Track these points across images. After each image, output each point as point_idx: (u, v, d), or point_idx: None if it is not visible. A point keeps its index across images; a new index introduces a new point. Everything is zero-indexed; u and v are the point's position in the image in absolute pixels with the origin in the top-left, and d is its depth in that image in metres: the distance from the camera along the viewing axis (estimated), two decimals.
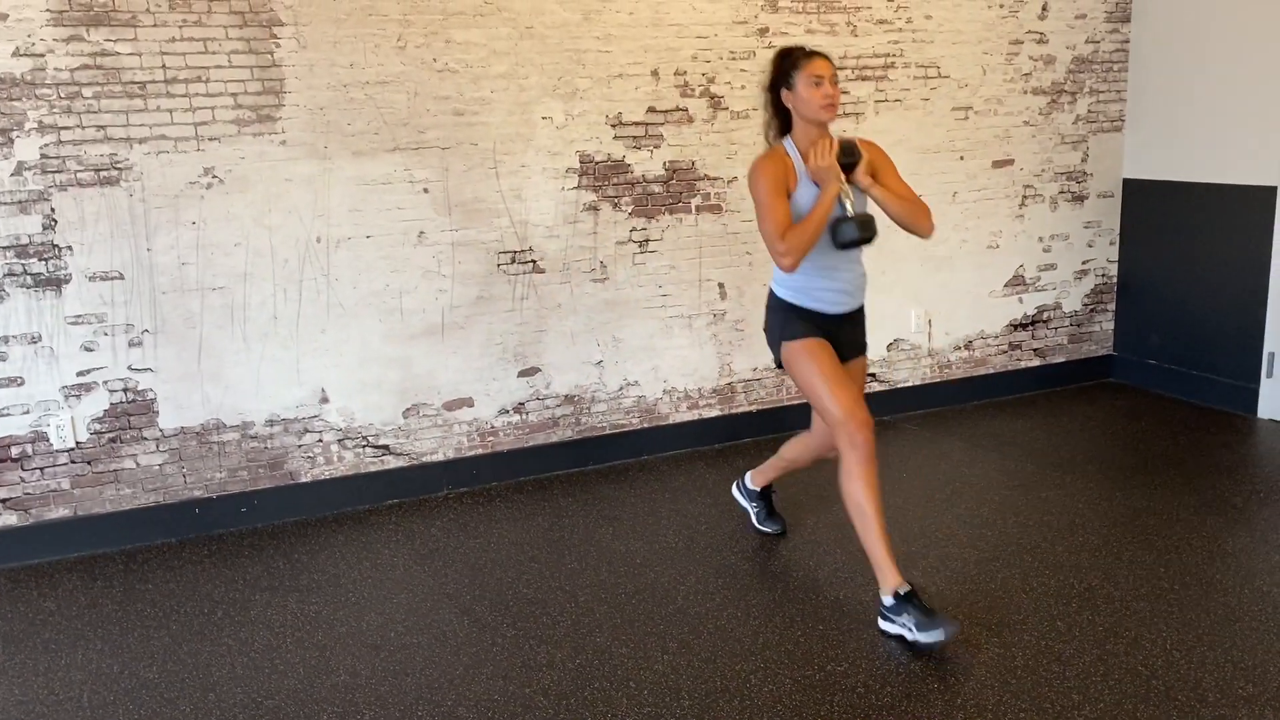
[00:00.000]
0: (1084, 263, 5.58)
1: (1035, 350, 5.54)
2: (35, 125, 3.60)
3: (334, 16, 3.90)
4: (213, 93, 3.79)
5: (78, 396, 3.79)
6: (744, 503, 3.91)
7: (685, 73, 4.49)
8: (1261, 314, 4.92)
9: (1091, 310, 5.65)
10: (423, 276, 4.20)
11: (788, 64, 3.18)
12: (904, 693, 2.79)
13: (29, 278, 3.68)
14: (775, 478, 3.81)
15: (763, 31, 4.58)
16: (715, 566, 3.59)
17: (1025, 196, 5.35)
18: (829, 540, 3.73)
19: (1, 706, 2.87)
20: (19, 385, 3.72)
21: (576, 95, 4.32)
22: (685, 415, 4.77)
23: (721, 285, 4.72)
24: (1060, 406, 5.30)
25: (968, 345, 5.35)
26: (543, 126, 4.29)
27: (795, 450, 3.66)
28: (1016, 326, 5.46)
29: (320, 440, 4.16)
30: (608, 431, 4.63)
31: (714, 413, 4.83)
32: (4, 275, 3.65)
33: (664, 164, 4.52)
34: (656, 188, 4.53)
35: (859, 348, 3.36)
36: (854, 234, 3.11)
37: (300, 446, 4.13)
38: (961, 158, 5.14)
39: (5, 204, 3.61)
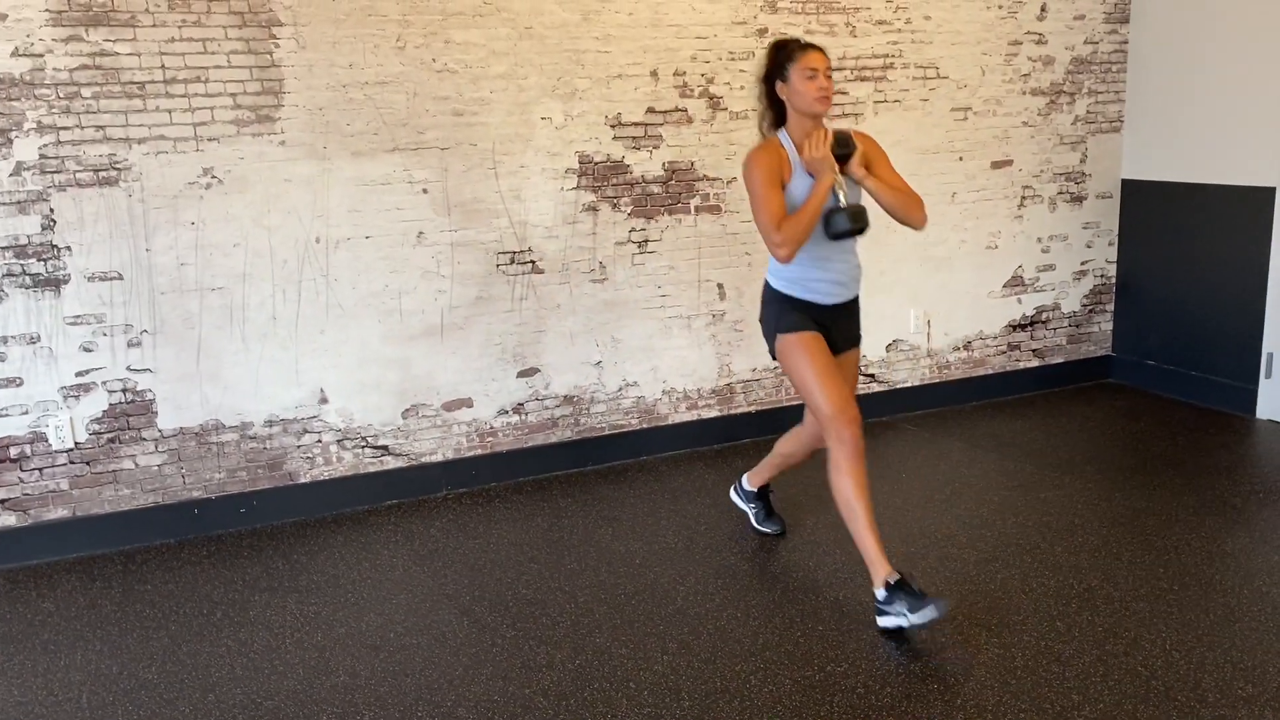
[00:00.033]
0: (1083, 263, 5.58)
1: (1034, 351, 5.55)
2: (34, 125, 3.59)
3: (333, 17, 3.90)
4: (212, 93, 3.79)
5: (76, 397, 3.79)
6: (742, 505, 3.92)
7: (684, 73, 4.49)
8: (1259, 315, 4.93)
9: (1090, 311, 5.66)
10: (422, 277, 4.20)
11: (782, 56, 3.21)
12: (904, 693, 2.79)
13: (28, 278, 3.67)
14: (771, 476, 3.82)
15: (762, 32, 4.58)
16: (715, 567, 3.59)
17: (1024, 197, 5.35)
18: (828, 541, 3.73)
19: (1, 707, 2.87)
20: (18, 386, 3.71)
21: (576, 96, 4.32)
22: (684, 416, 4.77)
23: (720, 286, 4.72)
24: (1059, 407, 5.30)
25: (967, 346, 5.36)
26: (542, 127, 4.29)
27: (789, 445, 3.68)
28: (1015, 327, 5.47)
29: (319, 441, 4.15)
30: (607, 432, 4.63)
31: (713, 413, 4.83)
32: (3, 275, 3.64)
33: (663, 164, 4.52)
34: (655, 188, 4.53)
35: (853, 339, 3.39)
36: (846, 225, 3.15)
37: (299, 447, 4.13)
38: (960, 158, 5.14)
39: (4, 204, 3.60)
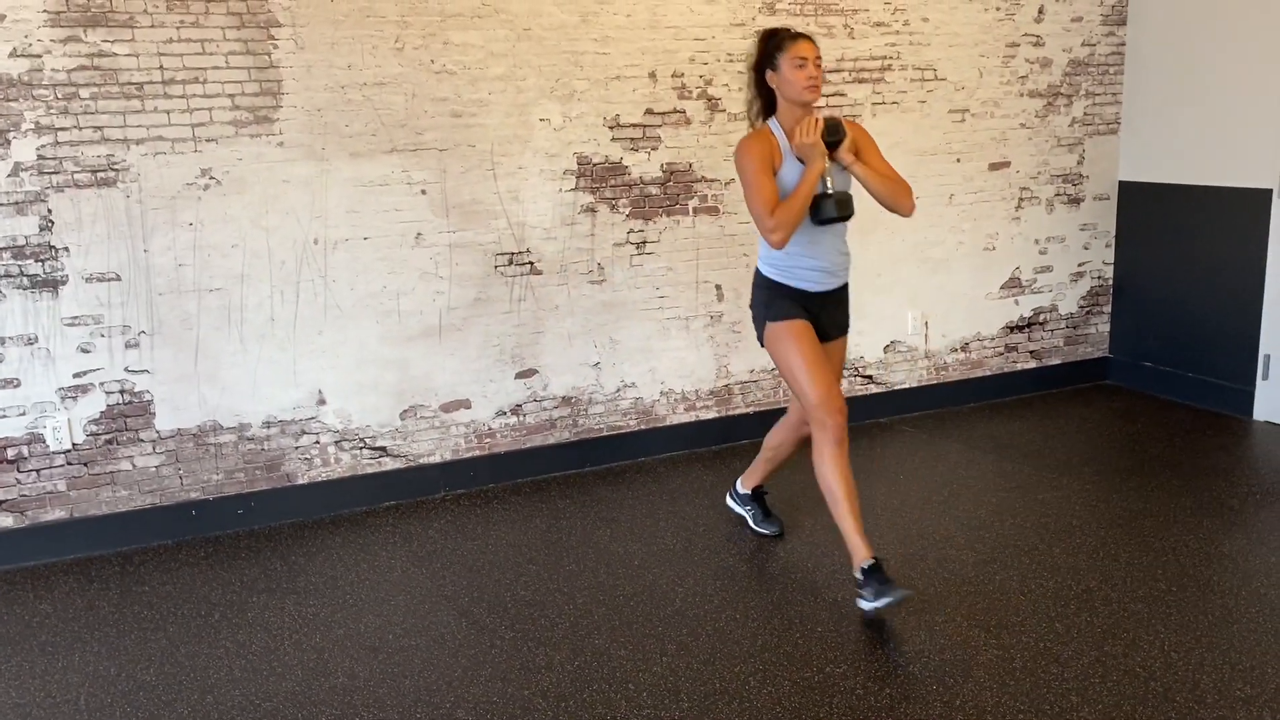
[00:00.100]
0: (1080, 265, 5.59)
1: (1032, 352, 5.55)
2: (32, 126, 3.59)
3: (331, 18, 3.90)
4: (210, 94, 3.79)
5: (74, 398, 3.79)
6: (739, 509, 3.93)
7: (683, 75, 4.49)
8: (1257, 316, 4.93)
9: (1087, 312, 5.67)
10: (420, 278, 4.19)
11: (772, 45, 3.28)
12: (902, 694, 2.79)
13: (25, 279, 3.67)
14: (765, 476, 3.83)
15: None
16: (713, 568, 3.59)
17: (1021, 199, 5.36)
18: (827, 542, 3.73)
19: None
20: (15, 387, 3.71)
21: (574, 97, 4.32)
22: (682, 417, 4.77)
23: (719, 287, 4.72)
24: (1056, 408, 5.31)
25: (964, 347, 5.36)
26: (540, 128, 4.29)
27: (777, 435, 3.73)
28: (1013, 328, 5.47)
29: (317, 442, 4.15)
30: (605, 433, 4.63)
31: (711, 414, 4.83)
32: (0, 276, 3.64)
33: (661, 166, 4.53)
34: (654, 189, 4.53)
35: (841, 327, 3.47)
36: (833, 212, 3.22)
37: (297, 448, 4.12)
38: (958, 160, 5.15)
39: (2, 205, 3.60)
